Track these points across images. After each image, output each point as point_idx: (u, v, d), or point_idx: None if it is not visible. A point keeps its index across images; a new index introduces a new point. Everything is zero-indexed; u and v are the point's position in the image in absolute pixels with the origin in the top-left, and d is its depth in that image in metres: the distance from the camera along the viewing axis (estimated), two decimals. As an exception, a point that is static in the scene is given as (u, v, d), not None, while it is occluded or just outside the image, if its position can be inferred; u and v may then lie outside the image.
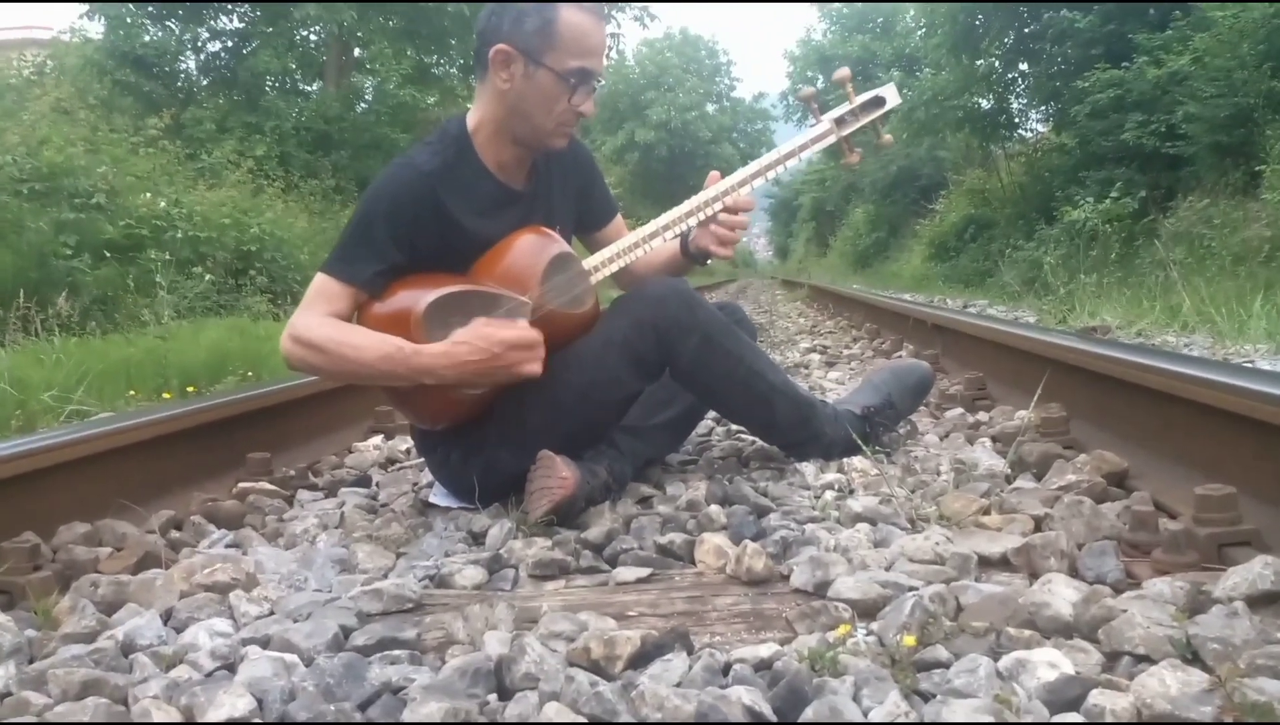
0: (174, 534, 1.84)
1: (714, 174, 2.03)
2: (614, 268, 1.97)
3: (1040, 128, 15.55)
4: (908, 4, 21.68)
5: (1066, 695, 0.98)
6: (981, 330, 3.22)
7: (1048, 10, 12.28)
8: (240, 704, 1.10)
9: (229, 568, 1.52)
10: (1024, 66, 14.24)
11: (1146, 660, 1.07)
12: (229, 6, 15.74)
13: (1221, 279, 6.49)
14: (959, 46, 14.16)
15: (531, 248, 1.90)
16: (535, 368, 1.82)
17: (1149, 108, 9.82)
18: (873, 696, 1.02)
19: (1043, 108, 14.43)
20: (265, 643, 1.29)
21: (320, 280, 1.89)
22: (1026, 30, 13.26)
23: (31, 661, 1.27)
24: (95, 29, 14.94)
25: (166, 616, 1.41)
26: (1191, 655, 1.06)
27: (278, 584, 1.53)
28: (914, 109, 14.81)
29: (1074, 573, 1.36)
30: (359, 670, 1.17)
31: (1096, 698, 0.97)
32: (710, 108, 43.51)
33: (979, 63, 14.25)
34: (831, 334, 6.46)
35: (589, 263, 1.97)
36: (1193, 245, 8.00)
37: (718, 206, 1.98)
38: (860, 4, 31.27)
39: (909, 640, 1.10)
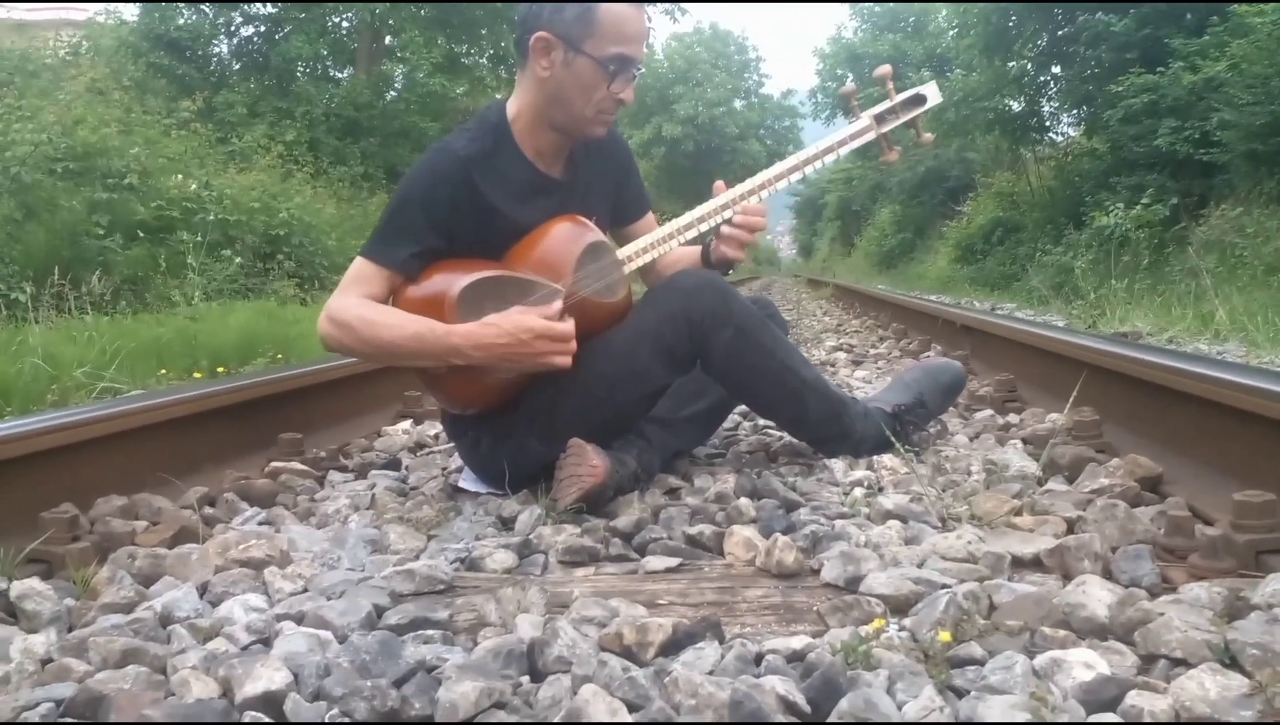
0: (207, 510, 1.86)
1: (719, 185, 2.03)
2: (648, 258, 1.98)
3: (1071, 132, 15.41)
4: (940, 4, 21.51)
5: (1103, 695, 0.98)
6: (1012, 332, 3.20)
7: (1082, 13, 12.16)
8: (277, 677, 1.11)
9: (263, 544, 1.54)
10: (1056, 69, 14.10)
11: (1183, 664, 1.06)
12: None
13: (1254, 289, 6.41)
14: (991, 48, 14.05)
15: (566, 235, 1.91)
16: (565, 361, 1.82)
17: (1183, 114, 9.71)
18: (907, 691, 1.02)
19: (1074, 111, 14.29)
20: (300, 619, 1.31)
21: (358, 263, 1.91)
22: (1060, 33, 13.12)
23: (71, 630, 1.29)
24: (130, 10, 15.09)
25: (202, 590, 1.43)
26: (1230, 660, 1.05)
27: (311, 562, 1.55)
28: (944, 110, 14.68)
29: (1108, 575, 1.35)
30: (393, 648, 1.18)
31: (1134, 699, 0.96)
32: (738, 103, 43.36)
33: (1011, 64, 14.12)
34: (858, 333, 6.44)
35: (623, 252, 1.97)
36: (1224, 254, 7.90)
37: (759, 197, 1.98)
38: (893, 3, 31.05)
39: (945, 636, 1.10)
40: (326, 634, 1.24)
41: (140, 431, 1.92)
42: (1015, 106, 14.99)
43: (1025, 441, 2.21)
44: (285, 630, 1.25)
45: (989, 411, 2.62)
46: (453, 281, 1.86)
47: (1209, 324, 5.05)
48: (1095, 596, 1.21)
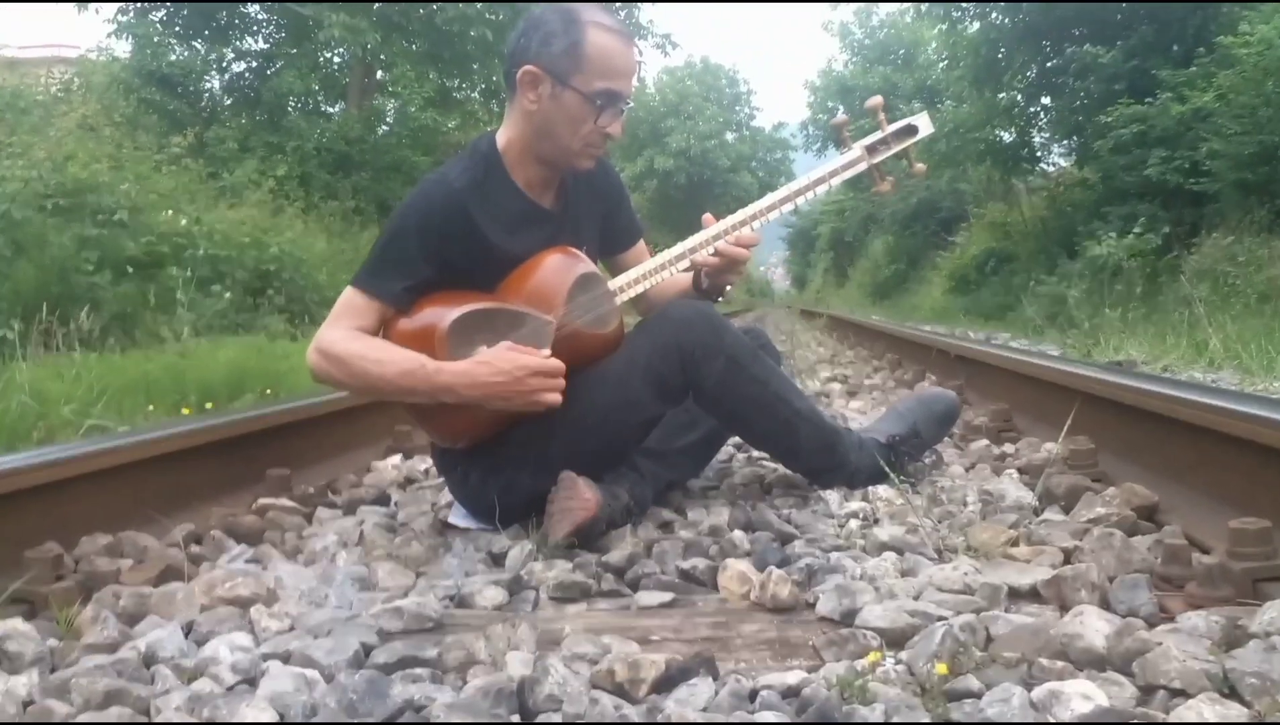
0: (194, 548, 1.84)
1: (707, 217, 2.03)
2: (640, 288, 1.97)
3: (1062, 162, 15.54)
4: (930, 36, 21.74)
5: (1104, 729, 0.96)
6: (1006, 361, 3.20)
7: (1070, 44, 12.31)
8: (263, 718, 1.09)
9: (250, 582, 1.52)
10: (1046, 100, 14.26)
11: (1182, 695, 1.05)
12: (254, 28, 15.95)
13: (1247, 317, 6.44)
14: (981, 79, 14.20)
15: (558, 267, 1.91)
16: (554, 398, 1.81)
17: (1172, 144, 9.79)
18: (904, 726, 1.01)
19: (1065, 142, 14.43)
20: (286, 658, 1.28)
21: (348, 294, 1.90)
22: (1049, 64, 13.28)
23: (54, 670, 1.27)
24: (123, 48, 15.17)
25: (188, 629, 1.40)
26: (1229, 690, 1.04)
27: (298, 600, 1.52)
28: (935, 141, 14.82)
29: (1105, 605, 1.34)
30: (381, 688, 1.16)
31: (1134, 733, 0.95)
32: (730, 136, 43.70)
33: (1001, 96, 14.27)
34: (852, 364, 6.44)
35: (614, 283, 1.97)
36: (1217, 282, 7.94)
37: (750, 228, 1.98)
38: (883, 34, 31.41)
39: (941, 669, 1.09)
40: (313, 673, 1.22)
41: (126, 468, 1.90)
42: (1006, 137, 15.13)
43: (1021, 471, 2.20)
44: (271, 670, 1.23)
45: (984, 441, 2.62)
46: (443, 314, 1.85)
47: (1203, 352, 5.06)
48: (1093, 627, 1.19)
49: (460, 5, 15.12)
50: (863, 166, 2.00)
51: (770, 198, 1.99)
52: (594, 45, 1.83)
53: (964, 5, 14.35)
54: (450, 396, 1.80)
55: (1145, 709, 1.02)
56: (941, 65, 17.42)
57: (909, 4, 14.65)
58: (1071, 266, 10.50)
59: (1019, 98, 14.32)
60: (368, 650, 1.31)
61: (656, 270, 1.97)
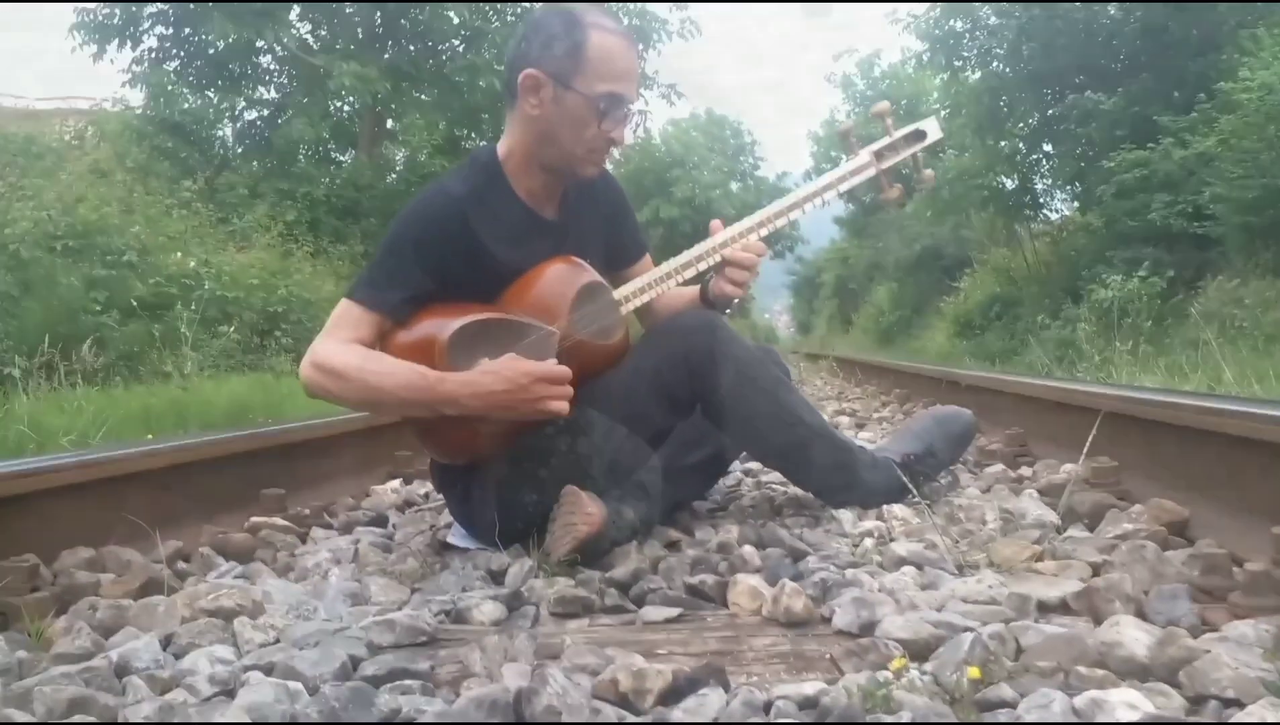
0: (181, 565, 1.76)
1: (715, 223, 1.99)
2: (645, 298, 1.91)
3: (1064, 209, 15.58)
4: (932, 88, 21.97)
5: (1154, 736, 0.88)
6: (1019, 387, 3.12)
7: (1071, 92, 12.39)
8: (237, 727, 1.01)
9: (235, 594, 1.44)
10: (1048, 147, 14.34)
11: (1236, 704, 0.96)
12: (266, 77, 16.17)
13: (1255, 359, 6.36)
14: (983, 127, 14.29)
15: (561, 277, 1.85)
16: (561, 406, 1.74)
17: (1175, 188, 9.80)
18: (933, 735, 0.92)
19: (1068, 188, 14.47)
20: (269, 670, 1.20)
21: (344, 306, 1.84)
22: (1050, 111, 13.37)
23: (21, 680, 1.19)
24: (136, 98, 15.36)
25: (166, 642, 1.32)
26: (1289, 698, 0.95)
27: (285, 613, 1.44)
28: (939, 188, 14.88)
29: (1141, 618, 1.25)
30: (367, 697, 1.08)
31: (1188, 739, 0.86)
32: (734, 186, 44.00)
33: (1003, 143, 14.36)
34: (860, 399, 6.36)
35: (619, 293, 1.91)
36: (1224, 325, 7.87)
37: (759, 234, 1.93)
38: (885, 85, 31.72)
39: (974, 672, 1.00)
40: (296, 685, 1.14)
41: (113, 482, 1.83)
42: (1009, 184, 15.19)
43: (1041, 492, 2.12)
44: (251, 681, 1.15)
45: (1000, 465, 2.53)
46: (443, 325, 1.79)
47: (1218, 386, 4.97)
48: (1132, 636, 1.11)
49: (469, 57, 15.32)
50: (871, 172, 1.95)
51: (778, 204, 1.94)
52: (596, 47, 1.79)
53: (965, 54, 14.50)
54: (453, 408, 1.73)
55: (1197, 718, 0.94)
56: (944, 113, 17.56)
57: (924, 44, 14.70)
58: (1076, 311, 10.45)
59: (1021, 145, 14.40)
60: (356, 663, 1.23)
61: (662, 279, 1.92)
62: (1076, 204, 14.27)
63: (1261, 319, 7.59)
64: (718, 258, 1.93)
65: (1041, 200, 15.57)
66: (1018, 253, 16.06)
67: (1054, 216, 15.80)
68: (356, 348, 1.80)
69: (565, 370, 1.73)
